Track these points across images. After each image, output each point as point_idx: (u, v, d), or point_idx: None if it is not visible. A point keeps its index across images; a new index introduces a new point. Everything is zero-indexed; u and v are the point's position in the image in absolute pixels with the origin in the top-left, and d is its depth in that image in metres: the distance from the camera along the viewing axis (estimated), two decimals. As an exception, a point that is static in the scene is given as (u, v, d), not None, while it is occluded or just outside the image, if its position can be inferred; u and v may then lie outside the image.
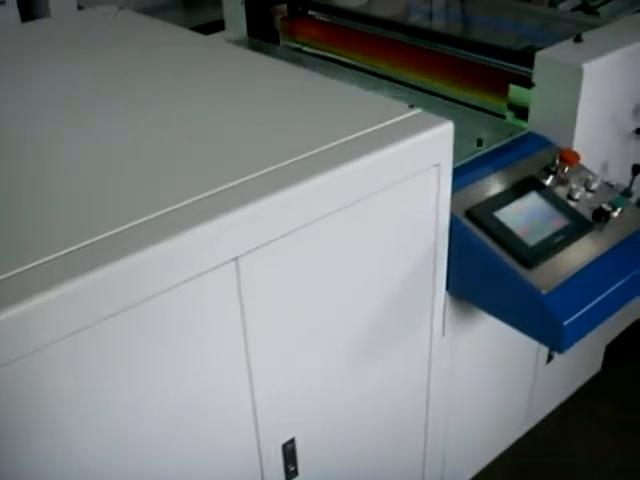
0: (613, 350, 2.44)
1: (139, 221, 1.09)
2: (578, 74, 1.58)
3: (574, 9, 2.15)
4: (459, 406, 1.82)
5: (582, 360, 2.27)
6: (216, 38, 2.05)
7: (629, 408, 2.35)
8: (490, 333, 1.73)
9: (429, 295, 1.52)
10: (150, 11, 3.11)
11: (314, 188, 1.21)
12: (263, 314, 1.24)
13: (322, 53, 2.25)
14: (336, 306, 1.37)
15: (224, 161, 1.28)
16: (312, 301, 1.32)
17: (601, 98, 1.68)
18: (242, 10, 2.34)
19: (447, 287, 1.55)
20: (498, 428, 2.06)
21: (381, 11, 2.33)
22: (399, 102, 1.45)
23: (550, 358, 2.03)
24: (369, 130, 1.34)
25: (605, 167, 1.79)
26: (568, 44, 1.69)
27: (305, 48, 2.30)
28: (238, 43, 2.30)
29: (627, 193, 1.75)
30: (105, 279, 1.00)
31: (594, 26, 1.82)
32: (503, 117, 1.80)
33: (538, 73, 1.66)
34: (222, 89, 1.57)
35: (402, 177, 1.34)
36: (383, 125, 1.36)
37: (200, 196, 1.15)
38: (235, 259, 1.14)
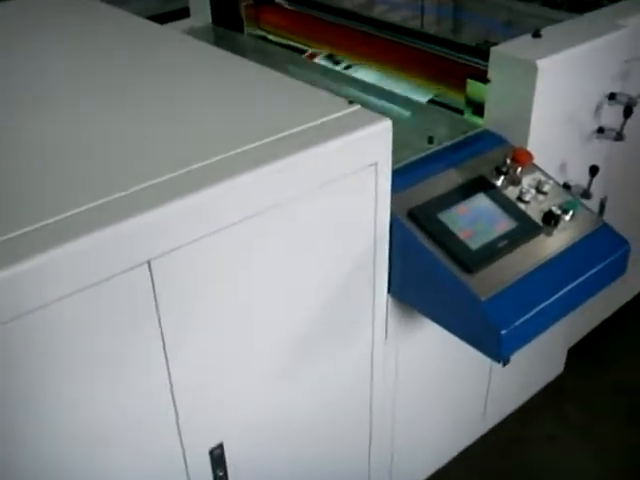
0: (577, 352, 2.40)
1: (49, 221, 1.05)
2: (532, 70, 1.52)
3: (543, 4, 2.08)
4: (407, 409, 1.77)
5: (541, 363, 2.22)
6: (167, 28, 1.99)
7: (593, 410, 2.31)
8: (438, 336, 1.67)
9: (369, 297, 1.47)
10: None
11: (236, 188, 1.15)
12: (183, 317, 1.19)
13: (286, 42, 2.19)
14: (267, 308, 1.32)
15: (142, 159, 1.22)
16: (240, 304, 1.27)
17: (558, 96, 1.62)
18: (207, -3, 2.28)
19: (389, 290, 1.50)
20: (451, 432, 2.01)
21: (347, 1, 2.28)
22: (340, 97, 1.40)
23: (506, 361, 1.98)
24: (303, 127, 1.28)
25: (564, 168, 1.73)
26: (526, 39, 1.64)
27: (270, 37, 2.25)
28: (202, 31, 2.25)
29: (585, 195, 1.70)
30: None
31: (559, 21, 1.76)
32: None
33: (493, 68, 1.60)
34: (154, 80, 1.51)
35: (336, 176, 1.28)
36: (319, 122, 1.30)
37: (113, 196, 1.10)
38: (148, 262, 1.09)
